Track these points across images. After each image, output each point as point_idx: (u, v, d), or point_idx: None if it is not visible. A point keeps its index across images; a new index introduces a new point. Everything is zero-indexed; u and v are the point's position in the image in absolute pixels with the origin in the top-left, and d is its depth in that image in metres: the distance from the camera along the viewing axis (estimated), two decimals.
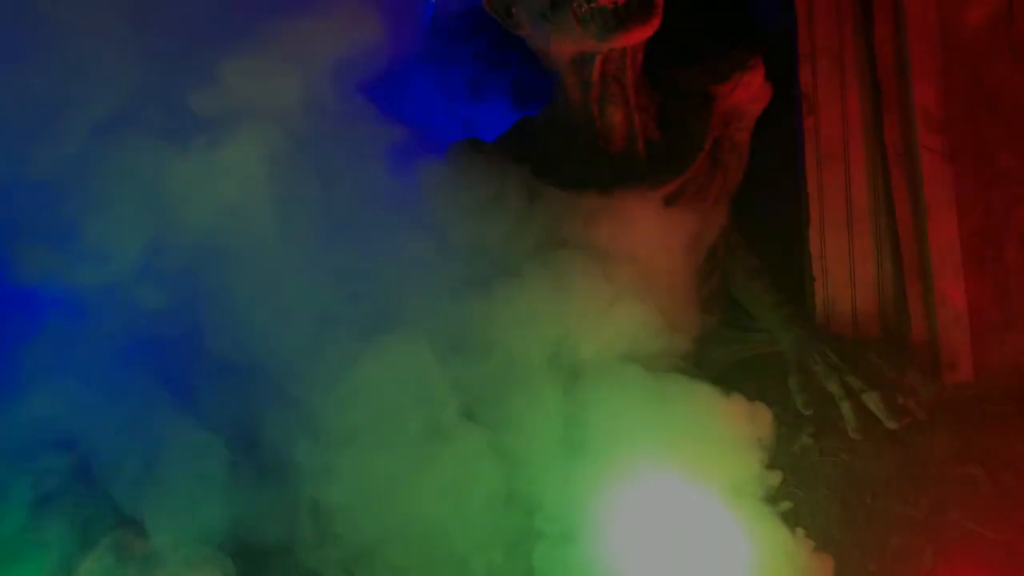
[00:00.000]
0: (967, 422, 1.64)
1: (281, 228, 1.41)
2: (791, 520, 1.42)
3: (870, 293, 1.80)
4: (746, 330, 1.82)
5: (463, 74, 1.94)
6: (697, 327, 1.58)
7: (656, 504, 1.30)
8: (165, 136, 1.39)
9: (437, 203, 1.40)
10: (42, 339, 1.50)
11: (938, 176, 1.71)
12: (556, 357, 1.37)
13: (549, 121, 1.52)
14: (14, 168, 1.42)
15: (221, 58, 1.36)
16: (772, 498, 1.45)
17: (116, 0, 1.41)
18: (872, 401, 1.56)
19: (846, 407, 1.57)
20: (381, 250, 1.40)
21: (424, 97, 1.95)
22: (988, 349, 1.71)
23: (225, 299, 1.39)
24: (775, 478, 1.42)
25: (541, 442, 1.31)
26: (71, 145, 1.40)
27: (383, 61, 1.42)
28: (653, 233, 1.50)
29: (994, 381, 1.69)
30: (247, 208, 1.38)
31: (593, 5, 1.35)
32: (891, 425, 1.55)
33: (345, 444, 1.33)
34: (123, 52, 1.40)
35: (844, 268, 1.80)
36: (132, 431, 1.43)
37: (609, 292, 1.36)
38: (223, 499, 1.38)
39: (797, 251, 1.84)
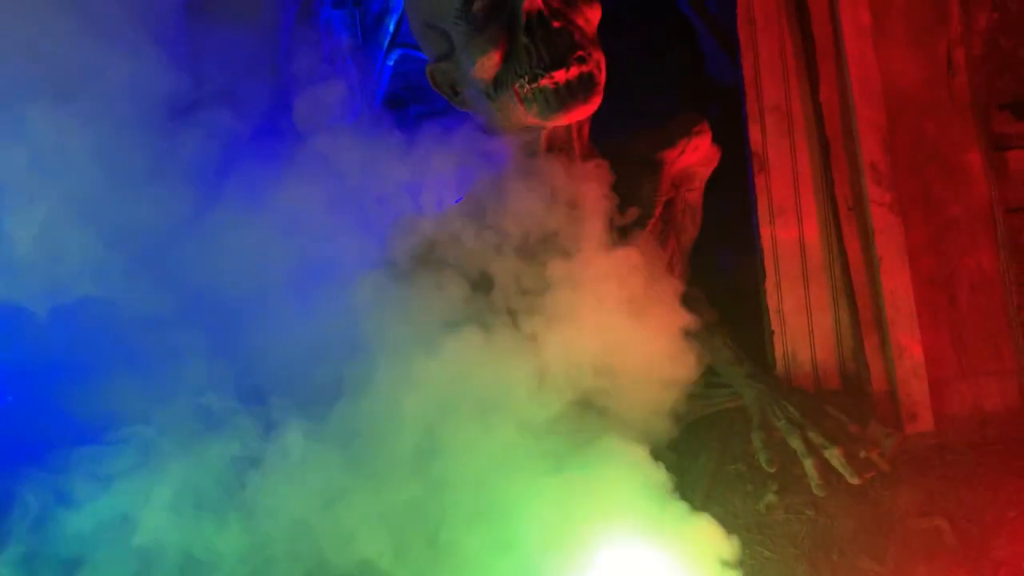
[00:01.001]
0: (930, 473, 1.65)
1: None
2: None
3: (829, 345, 1.82)
4: (709, 385, 1.82)
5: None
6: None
7: None
8: None
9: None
10: None
11: (889, 229, 1.73)
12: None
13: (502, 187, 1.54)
14: None
15: None
16: (737, 559, 1.44)
17: None
18: (834, 457, 1.57)
19: (809, 464, 1.57)
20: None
21: None
22: (947, 398, 1.72)
23: None
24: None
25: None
26: None
27: None
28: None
29: (954, 430, 1.71)
30: None
31: (534, 85, 1.37)
32: (854, 481, 1.55)
33: None
34: None
35: (802, 321, 1.82)
36: None
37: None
38: None
39: (755, 302, 1.87)
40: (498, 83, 1.39)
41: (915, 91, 1.77)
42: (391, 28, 2.57)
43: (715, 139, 1.81)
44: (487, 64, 1.38)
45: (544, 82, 1.36)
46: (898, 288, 1.73)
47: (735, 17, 1.83)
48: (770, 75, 1.81)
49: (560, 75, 1.36)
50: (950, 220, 1.77)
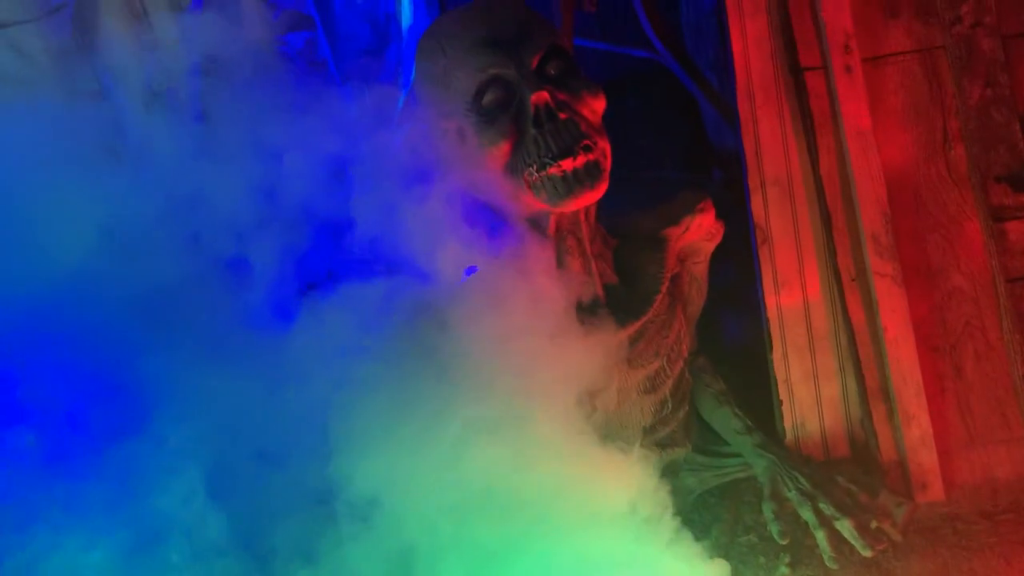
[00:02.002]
0: (942, 543, 1.65)
1: None
2: None
3: (837, 414, 1.84)
4: (718, 455, 1.83)
5: None
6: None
7: None
8: None
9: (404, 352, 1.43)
10: None
11: (892, 299, 1.76)
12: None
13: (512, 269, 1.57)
14: None
15: None
16: None
17: None
18: (846, 529, 1.57)
19: (821, 536, 1.58)
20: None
21: None
22: (957, 467, 1.74)
23: None
24: None
25: None
26: None
27: None
28: (617, 377, 1.54)
29: (966, 499, 1.72)
30: None
31: (543, 174, 1.41)
32: (866, 553, 1.56)
33: None
34: None
35: (810, 390, 1.84)
36: None
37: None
38: None
39: (762, 370, 1.89)
40: (508, 171, 1.44)
41: (913, 164, 1.81)
42: (399, 103, 2.64)
43: (718, 205, 1.84)
44: (497, 154, 1.42)
45: (552, 171, 1.41)
46: (903, 357, 1.75)
47: (735, 90, 1.88)
48: (770, 149, 1.85)
49: (567, 164, 1.40)
50: (952, 289, 1.79)
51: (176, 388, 1.45)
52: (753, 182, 1.85)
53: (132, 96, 1.65)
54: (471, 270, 1.77)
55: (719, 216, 1.83)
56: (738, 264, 2.00)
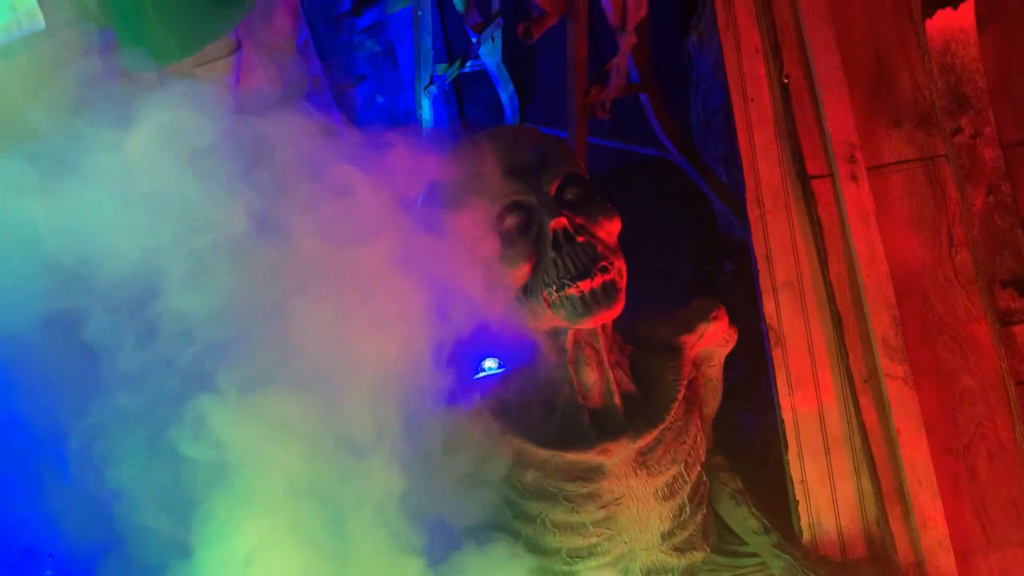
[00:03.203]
0: None
1: None
2: None
3: (853, 514, 1.85)
4: (736, 555, 1.85)
5: None
6: None
7: None
8: None
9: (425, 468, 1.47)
10: None
11: (904, 401, 1.79)
12: None
13: (530, 379, 1.62)
14: None
15: None
16: None
17: None
18: None
19: None
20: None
21: None
22: (975, 570, 1.75)
23: None
24: None
25: None
26: None
27: None
28: (636, 485, 1.57)
29: None
30: None
31: (562, 294, 1.48)
32: None
33: None
34: None
35: (826, 491, 1.86)
36: None
37: None
38: None
39: (779, 468, 1.91)
40: (528, 290, 1.50)
41: (920, 268, 1.86)
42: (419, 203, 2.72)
43: (729, 297, 1.89)
44: (518, 275, 1.49)
45: (571, 291, 1.47)
46: (917, 459, 1.77)
47: (745, 196, 1.95)
48: (781, 253, 1.91)
49: (585, 284, 1.46)
50: (963, 391, 1.83)
51: None
52: (765, 285, 1.90)
53: None
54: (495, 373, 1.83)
55: (731, 312, 1.88)
56: (752, 360, 2.04)
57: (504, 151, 1.51)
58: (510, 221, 1.48)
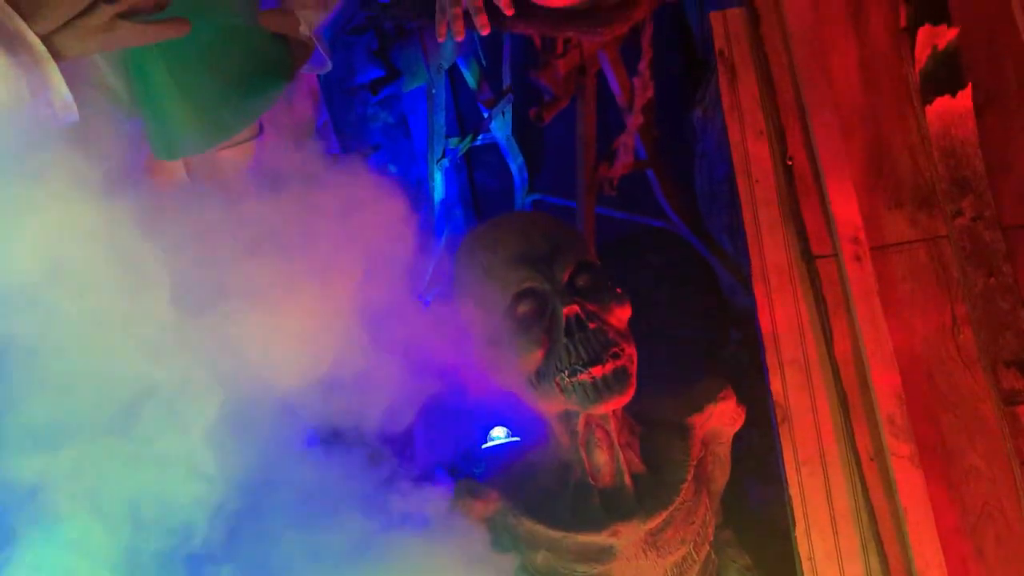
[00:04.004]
0: None
1: None
2: None
3: None
4: None
5: None
6: None
7: None
8: None
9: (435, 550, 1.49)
10: None
11: (910, 480, 1.81)
12: None
13: (541, 460, 1.65)
14: None
15: None
16: None
17: None
18: None
19: None
20: None
21: None
22: None
23: None
24: None
25: None
26: None
27: None
28: (645, 566, 1.58)
29: None
30: None
31: (574, 379, 1.51)
32: None
33: None
34: None
35: (834, 568, 1.87)
36: None
37: None
38: None
39: (787, 543, 1.91)
40: (541, 375, 1.54)
41: (925, 347, 1.89)
42: (429, 271, 2.77)
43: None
44: (531, 360, 1.53)
45: (582, 377, 1.50)
46: (925, 539, 1.78)
47: (751, 274, 1.99)
48: (787, 331, 1.94)
49: (597, 371, 1.50)
50: (969, 470, 1.84)
51: None
52: (772, 362, 1.93)
53: None
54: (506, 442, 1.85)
55: (738, 381, 1.91)
56: (759, 430, 2.06)
57: (517, 239, 1.56)
58: (523, 308, 1.53)
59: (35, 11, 1.26)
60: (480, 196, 3.36)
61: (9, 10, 1.23)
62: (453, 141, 2.70)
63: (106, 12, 1.32)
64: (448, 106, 3.02)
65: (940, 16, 1.98)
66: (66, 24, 1.30)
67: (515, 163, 2.83)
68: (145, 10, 1.34)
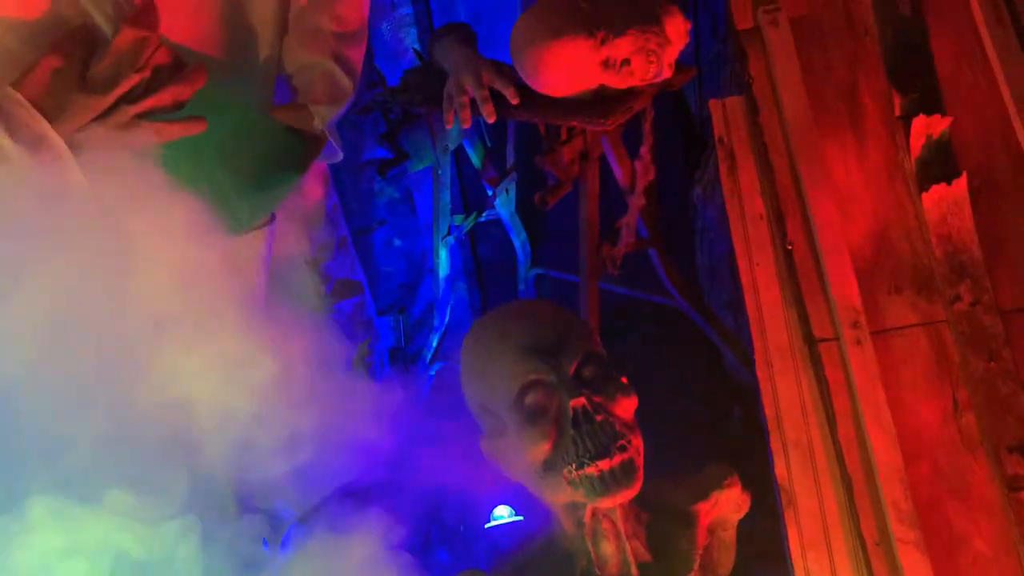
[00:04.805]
0: None
1: None
2: None
3: None
4: None
5: None
6: None
7: None
8: None
9: None
10: None
11: (915, 566, 1.80)
12: None
13: (546, 549, 1.65)
14: None
15: None
16: None
17: None
18: None
19: None
20: None
21: None
22: None
23: None
24: None
25: None
26: None
27: None
28: None
29: None
30: None
31: (581, 473, 1.52)
32: None
33: None
34: None
35: None
36: None
37: None
38: None
39: None
40: (548, 466, 1.55)
41: (928, 431, 1.90)
42: (433, 344, 2.80)
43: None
44: (538, 452, 1.54)
45: (590, 470, 1.51)
46: None
47: (754, 356, 2.01)
48: (790, 414, 1.95)
49: (604, 464, 1.51)
50: (976, 555, 1.84)
51: None
52: (775, 445, 1.94)
53: None
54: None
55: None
56: (764, 509, 2.06)
57: (524, 329, 1.58)
58: (530, 400, 1.54)
59: (59, 113, 1.31)
60: (484, 268, 3.41)
61: (34, 112, 1.28)
62: (458, 218, 2.75)
63: (126, 113, 1.37)
64: (453, 182, 3.08)
65: (934, 106, 2.04)
66: (87, 124, 1.34)
67: (518, 239, 2.88)
68: (164, 110, 1.39)
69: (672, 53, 2.06)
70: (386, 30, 3.04)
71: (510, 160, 2.68)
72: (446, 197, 2.57)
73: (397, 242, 3.11)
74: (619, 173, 2.35)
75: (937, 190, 1.99)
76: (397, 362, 3.03)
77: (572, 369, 1.56)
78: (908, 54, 2.09)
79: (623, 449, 1.52)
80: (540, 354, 1.55)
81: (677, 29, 2.04)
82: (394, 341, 3.14)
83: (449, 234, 2.65)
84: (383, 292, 3.14)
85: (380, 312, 3.06)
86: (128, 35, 1.30)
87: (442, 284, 2.72)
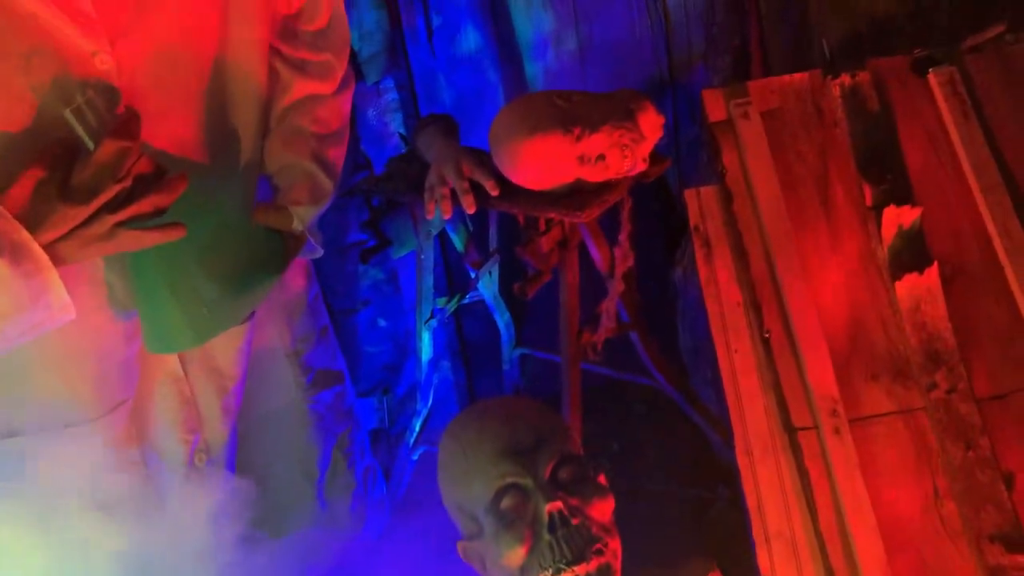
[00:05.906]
0: None
1: None
2: None
3: None
4: None
5: None
6: None
7: None
8: None
9: None
10: None
11: None
12: None
13: None
14: None
15: None
16: None
17: None
18: None
19: None
20: None
21: None
22: None
23: None
24: None
25: None
26: None
27: None
28: None
29: None
30: None
31: None
32: None
33: None
34: None
35: None
36: None
37: None
38: None
39: None
40: (524, 571, 1.54)
41: (909, 520, 1.90)
42: (416, 428, 2.79)
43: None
44: (514, 556, 1.53)
45: (566, 575, 1.50)
46: None
47: (734, 444, 2.01)
48: (772, 503, 1.95)
49: (581, 568, 1.50)
50: None
51: None
52: (758, 535, 1.93)
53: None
54: None
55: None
56: None
57: (501, 430, 1.59)
58: (506, 503, 1.54)
59: (40, 223, 1.33)
60: (469, 348, 3.41)
61: (15, 223, 1.30)
62: (441, 301, 2.76)
63: (107, 221, 1.39)
64: (437, 263, 3.11)
65: (904, 197, 2.09)
66: (68, 233, 1.36)
67: (502, 320, 2.89)
68: (145, 217, 1.41)
69: (646, 148, 2.11)
70: (372, 115, 3.09)
71: (493, 244, 2.71)
72: (429, 281, 2.59)
73: (382, 322, 3.11)
74: (599, 260, 2.38)
75: (910, 279, 2.02)
76: (380, 444, 3.01)
77: (548, 471, 1.56)
78: (877, 147, 2.15)
79: (600, 553, 1.51)
80: (516, 456, 1.55)
81: (651, 124, 2.09)
82: (377, 422, 3.12)
83: (432, 317, 2.66)
84: (366, 373, 3.13)
85: (363, 394, 3.05)
86: (110, 146, 1.33)
87: (425, 368, 2.72)
